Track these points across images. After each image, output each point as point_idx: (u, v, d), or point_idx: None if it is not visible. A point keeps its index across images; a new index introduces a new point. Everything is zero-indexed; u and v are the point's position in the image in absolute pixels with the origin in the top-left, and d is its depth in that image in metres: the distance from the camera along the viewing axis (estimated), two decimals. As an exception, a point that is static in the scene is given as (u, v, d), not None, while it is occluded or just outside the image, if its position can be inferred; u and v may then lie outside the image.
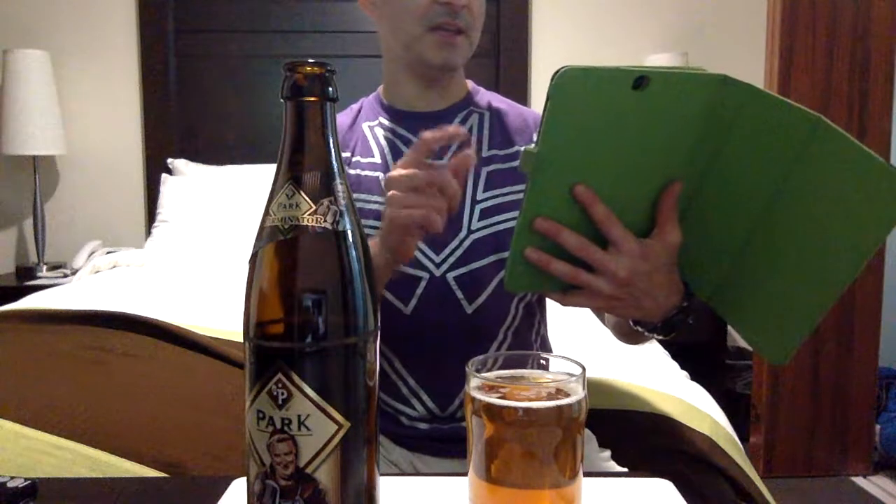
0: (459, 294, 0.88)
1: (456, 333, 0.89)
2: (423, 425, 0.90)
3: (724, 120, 0.64)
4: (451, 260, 0.88)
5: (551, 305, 1.05)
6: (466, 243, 0.88)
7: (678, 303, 0.73)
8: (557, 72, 0.57)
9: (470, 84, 0.98)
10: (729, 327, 2.54)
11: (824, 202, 0.64)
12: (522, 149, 0.62)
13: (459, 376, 0.89)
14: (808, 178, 0.64)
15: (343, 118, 0.98)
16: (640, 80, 0.58)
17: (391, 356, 0.90)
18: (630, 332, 0.85)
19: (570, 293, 0.71)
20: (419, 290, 0.88)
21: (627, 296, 0.69)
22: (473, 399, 0.43)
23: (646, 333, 0.78)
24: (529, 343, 0.96)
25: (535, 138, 0.61)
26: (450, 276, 0.88)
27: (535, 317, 0.98)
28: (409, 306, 0.88)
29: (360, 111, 0.99)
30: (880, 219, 0.62)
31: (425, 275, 0.88)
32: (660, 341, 0.83)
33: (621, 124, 0.61)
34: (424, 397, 0.89)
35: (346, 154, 0.94)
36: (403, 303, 0.88)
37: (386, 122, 0.95)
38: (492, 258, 0.89)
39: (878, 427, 2.36)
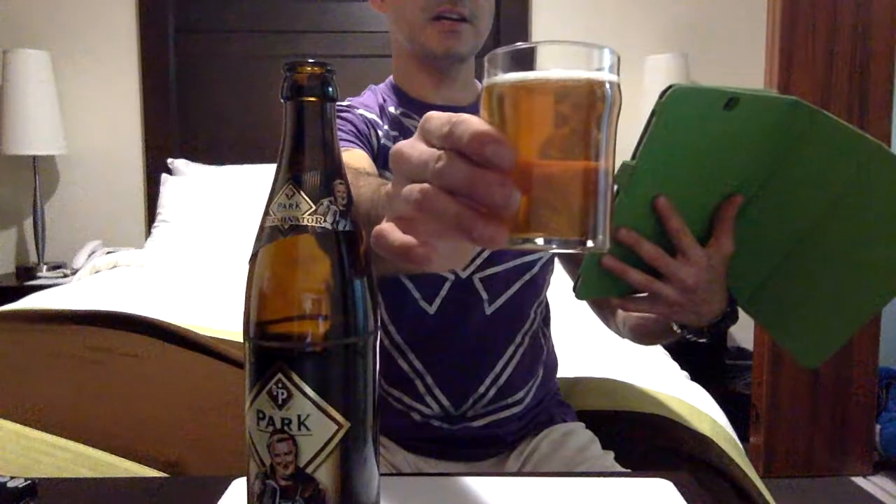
0: (484, 295, 0.89)
1: (476, 334, 0.89)
2: (435, 422, 0.90)
3: (788, 140, 0.67)
4: (478, 261, 0.89)
5: (551, 307, 1.05)
6: None
7: (725, 308, 0.75)
8: (667, 89, 0.59)
9: (479, 85, 0.98)
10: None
11: (874, 221, 0.68)
12: (619, 161, 0.64)
13: (476, 376, 0.90)
14: (861, 199, 0.67)
15: (370, 98, 0.95)
16: (731, 100, 0.60)
17: (411, 354, 0.90)
18: (659, 334, 0.86)
19: (633, 299, 0.73)
20: (444, 291, 0.88)
21: (690, 303, 0.71)
22: (500, 84, 0.39)
23: (690, 337, 0.79)
24: (541, 346, 0.97)
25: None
26: (476, 276, 0.89)
27: (546, 320, 0.99)
28: (433, 305, 0.88)
29: (381, 96, 0.95)
30: None
31: (451, 276, 0.88)
32: (681, 342, 0.85)
33: (705, 141, 0.64)
34: (439, 395, 0.90)
35: (386, 128, 0.90)
36: (428, 302, 0.88)
37: (414, 115, 0.92)
38: (516, 261, 0.90)
39: (878, 427, 2.36)
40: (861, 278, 0.70)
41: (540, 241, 0.38)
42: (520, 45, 0.40)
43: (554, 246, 0.39)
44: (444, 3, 0.84)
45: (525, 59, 0.39)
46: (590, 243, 0.39)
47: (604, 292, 0.75)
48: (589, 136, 0.39)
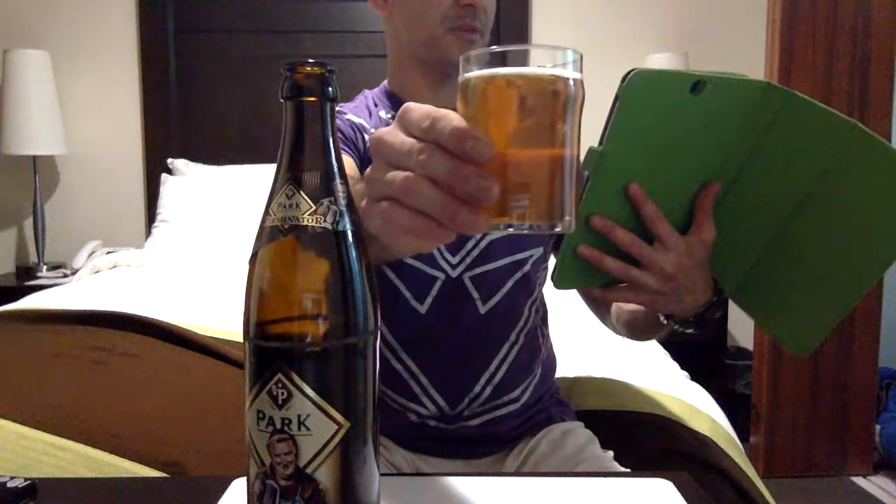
0: (475, 294, 0.89)
1: (469, 334, 0.89)
2: (431, 422, 0.90)
3: (763, 123, 0.66)
4: (468, 261, 0.89)
5: (551, 307, 1.05)
6: (483, 244, 0.89)
7: (710, 297, 0.75)
8: (628, 74, 0.59)
9: None
10: (729, 327, 2.55)
11: (855, 204, 0.67)
12: (587, 147, 0.64)
13: (471, 376, 0.90)
14: (840, 181, 0.67)
15: (360, 103, 0.96)
16: (697, 84, 0.61)
17: (404, 354, 0.90)
18: (649, 327, 0.86)
19: (614, 288, 0.73)
20: (434, 291, 0.88)
21: (671, 291, 0.70)
22: (475, 78, 0.42)
23: (676, 328, 0.79)
24: (538, 345, 0.97)
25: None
26: (466, 276, 0.89)
27: (544, 318, 0.98)
28: (425, 305, 0.88)
29: (372, 101, 0.96)
30: None
31: (441, 275, 0.88)
32: (670, 338, 0.84)
33: (674, 126, 0.64)
34: (435, 395, 0.89)
35: (373, 131, 0.91)
36: (419, 302, 0.88)
37: None
38: (507, 259, 0.90)
39: (878, 427, 2.36)
40: (845, 261, 0.69)
41: (512, 225, 0.42)
42: (493, 48, 0.44)
43: (526, 229, 0.42)
44: (465, 17, 0.87)
45: (497, 60, 0.43)
46: (557, 226, 0.42)
47: (583, 282, 0.74)
48: (554, 127, 0.42)
